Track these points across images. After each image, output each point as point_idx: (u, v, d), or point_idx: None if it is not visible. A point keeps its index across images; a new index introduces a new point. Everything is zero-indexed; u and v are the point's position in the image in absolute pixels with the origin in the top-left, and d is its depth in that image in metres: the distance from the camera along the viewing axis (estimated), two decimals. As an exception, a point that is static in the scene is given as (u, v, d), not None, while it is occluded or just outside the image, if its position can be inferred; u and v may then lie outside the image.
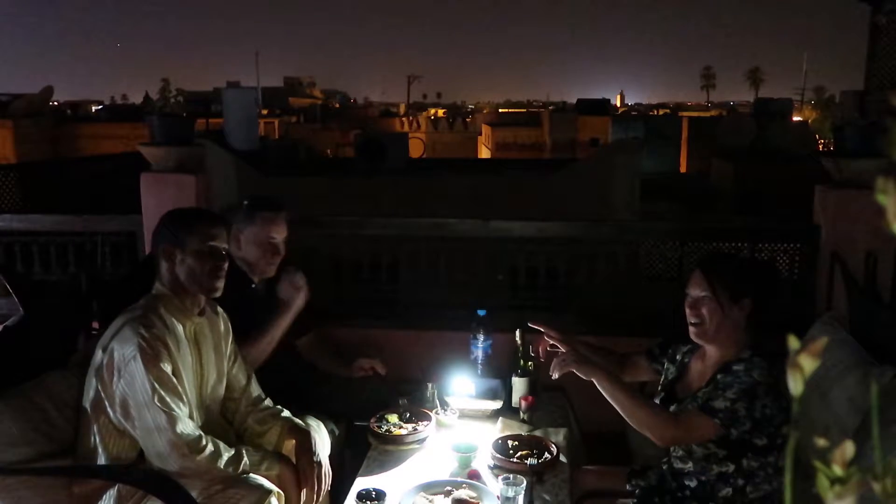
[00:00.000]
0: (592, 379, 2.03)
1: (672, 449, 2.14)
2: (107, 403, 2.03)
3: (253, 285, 2.81)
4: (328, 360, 3.11)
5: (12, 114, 15.42)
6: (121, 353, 1.99)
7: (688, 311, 2.05)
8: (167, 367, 2.02)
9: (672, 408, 2.11)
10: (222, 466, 2.04)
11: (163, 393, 1.98)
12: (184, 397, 2.06)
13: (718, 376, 1.97)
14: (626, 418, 2.01)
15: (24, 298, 2.80)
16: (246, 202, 2.82)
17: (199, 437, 2.03)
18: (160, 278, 2.19)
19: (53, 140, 15.49)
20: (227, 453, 2.07)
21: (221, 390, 2.34)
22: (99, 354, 2.05)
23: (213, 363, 2.27)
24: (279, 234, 2.79)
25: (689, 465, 2.07)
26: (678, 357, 2.25)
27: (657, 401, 2.20)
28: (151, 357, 1.98)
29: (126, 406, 1.99)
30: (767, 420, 1.88)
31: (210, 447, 2.03)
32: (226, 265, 2.22)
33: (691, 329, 2.06)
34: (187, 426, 2.01)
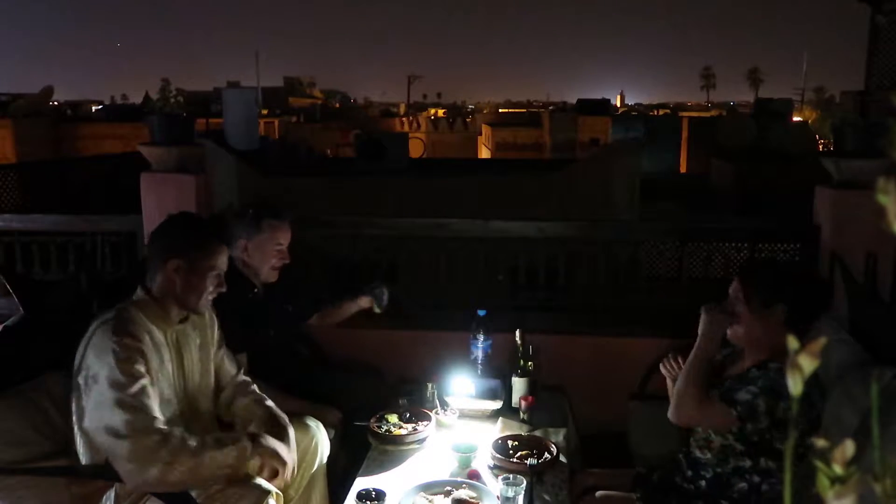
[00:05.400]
0: (703, 336, 2.11)
1: (693, 438, 2.17)
2: (80, 419, 1.99)
3: (255, 290, 2.82)
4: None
5: (12, 114, 15.43)
6: (95, 362, 1.94)
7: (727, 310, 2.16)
8: (138, 372, 1.95)
9: None
10: (181, 471, 1.88)
11: (126, 399, 1.89)
12: (155, 404, 1.97)
13: (752, 370, 2.04)
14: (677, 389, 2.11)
15: (24, 298, 2.80)
16: (251, 210, 2.81)
17: (159, 442, 1.88)
18: (149, 282, 2.14)
19: (53, 140, 15.48)
20: (185, 450, 1.90)
21: (208, 385, 2.31)
22: (77, 367, 2.00)
23: (196, 363, 2.25)
24: (285, 241, 2.81)
25: (708, 455, 2.10)
26: (717, 357, 2.29)
27: None
28: (122, 363, 1.92)
29: (93, 413, 1.93)
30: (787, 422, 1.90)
31: (167, 448, 1.87)
32: (223, 289, 2.20)
33: (728, 329, 2.15)
34: (148, 427, 1.89)
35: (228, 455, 1.97)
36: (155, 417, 1.94)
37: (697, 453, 2.14)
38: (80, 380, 1.99)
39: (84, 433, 2.00)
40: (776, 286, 2.06)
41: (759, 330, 2.06)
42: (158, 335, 2.10)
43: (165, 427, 1.94)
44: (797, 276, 2.24)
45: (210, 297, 2.18)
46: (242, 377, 2.43)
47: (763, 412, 1.91)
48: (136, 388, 1.93)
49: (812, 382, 1.92)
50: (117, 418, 1.88)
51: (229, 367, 2.41)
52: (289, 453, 2.15)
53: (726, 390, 2.00)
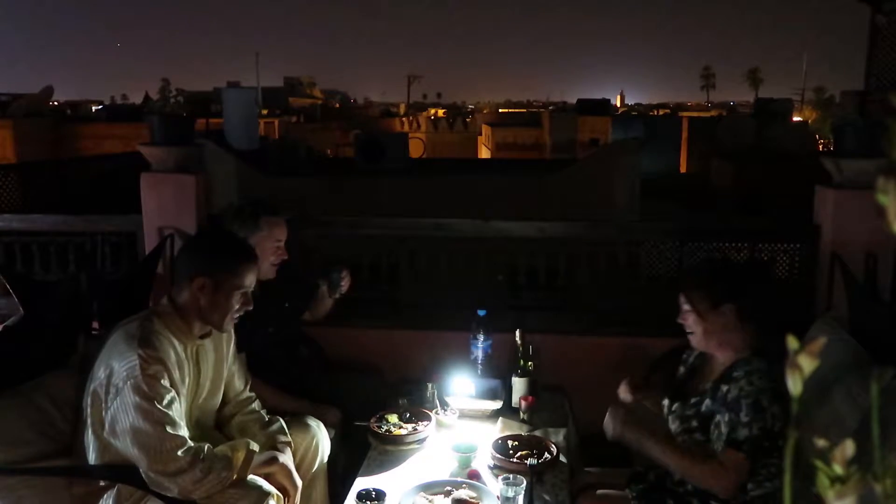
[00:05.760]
0: (639, 446, 2.11)
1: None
2: (98, 426, 1.99)
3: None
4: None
5: (12, 114, 15.42)
6: (119, 372, 1.94)
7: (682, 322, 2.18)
8: (164, 388, 1.96)
9: (674, 406, 2.16)
10: (212, 481, 1.96)
11: (155, 413, 1.91)
12: (179, 417, 2.00)
13: (722, 387, 2.01)
14: (684, 477, 2.07)
15: (24, 298, 2.80)
16: (249, 208, 2.81)
17: (187, 457, 1.92)
18: (175, 296, 2.12)
19: (53, 140, 15.46)
20: (217, 463, 1.99)
21: (215, 402, 2.33)
22: (100, 374, 1.99)
23: (209, 378, 2.25)
24: (283, 237, 2.82)
25: None
26: (690, 361, 2.32)
27: (664, 402, 2.24)
28: (149, 377, 1.92)
29: (115, 425, 1.93)
30: (777, 426, 1.92)
31: (197, 469, 1.93)
32: (249, 307, 2.19)
33: (692, 339, 2.18)
34: (177, 446, 1.93)
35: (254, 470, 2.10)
36: (184, 436, 1.96)
37: None
38: (99, 388, 1.98)
39: (99, 439, 2.01)
40: (717, 287, 2.10)
41: (717, 332, 2.09)
42: (180, 349, 2.08)
43: (193, 443, 1.97)
44: (734, 271, 2.26)
45: (235, 316, 2.17)
46: (247, 394, 2.43)
47: (760, 437, 1.92)
48: (165, 401, 1.94)
49: (781, 373, 1.94)
50: (147, 431, 1.90)
51: (237, 384, 2.41)
52: (297, 479, 2.21)
53: (728, 432, 1.94)
